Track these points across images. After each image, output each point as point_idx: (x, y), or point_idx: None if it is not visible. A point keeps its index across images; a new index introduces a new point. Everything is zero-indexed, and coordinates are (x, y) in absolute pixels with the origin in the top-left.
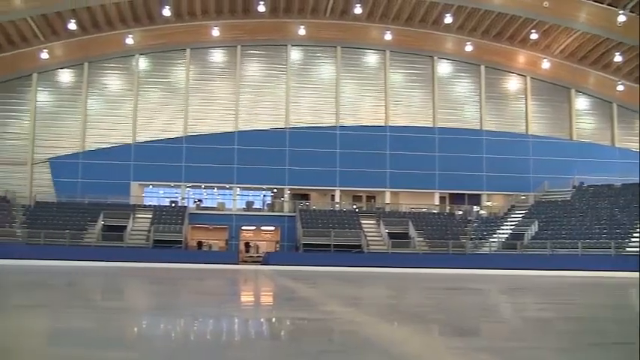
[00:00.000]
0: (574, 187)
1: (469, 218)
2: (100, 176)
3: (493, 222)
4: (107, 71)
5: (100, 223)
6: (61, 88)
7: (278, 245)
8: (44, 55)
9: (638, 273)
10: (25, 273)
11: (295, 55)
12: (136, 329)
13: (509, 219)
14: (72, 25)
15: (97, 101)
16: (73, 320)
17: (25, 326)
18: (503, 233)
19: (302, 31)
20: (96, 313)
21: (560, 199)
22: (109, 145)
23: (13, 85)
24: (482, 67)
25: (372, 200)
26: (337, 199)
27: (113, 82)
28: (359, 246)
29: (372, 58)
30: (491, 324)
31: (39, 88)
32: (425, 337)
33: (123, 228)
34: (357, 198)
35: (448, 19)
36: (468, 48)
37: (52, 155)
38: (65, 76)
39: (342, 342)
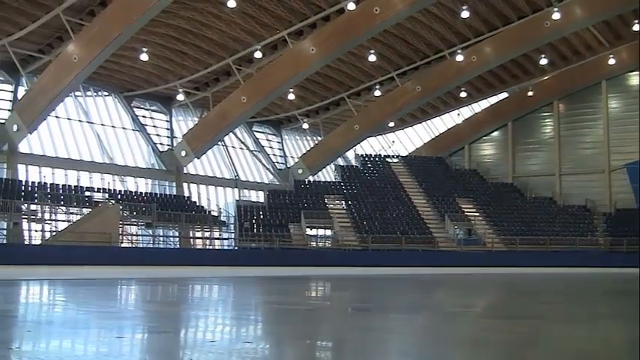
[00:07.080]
0: None
1: None
2: None
3: None
4: None
5: None
6: (630, 92)
7: None
8: (611, 61)
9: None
10: (611, 281)
11: None
12: None
13: None
14: (636, 27)
15: None
16: None
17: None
18: None
19: None
20: None
21: None
22: None
23: (583, 94)
24: None
25: None
26: None
27: None
28: None
29: None
30: None
31: (609, 95)
32: None
33: None
34: None
35: None
36: None
37: (627, 161)
38: (634, 80)
39: None
